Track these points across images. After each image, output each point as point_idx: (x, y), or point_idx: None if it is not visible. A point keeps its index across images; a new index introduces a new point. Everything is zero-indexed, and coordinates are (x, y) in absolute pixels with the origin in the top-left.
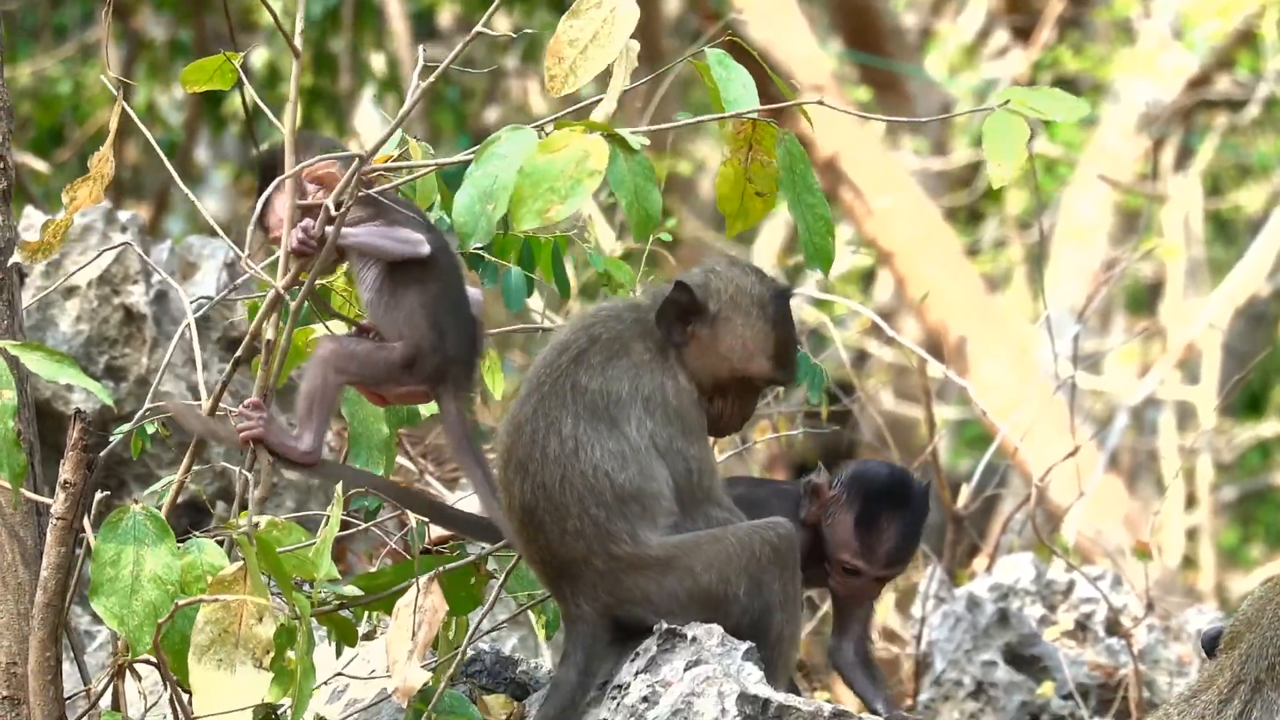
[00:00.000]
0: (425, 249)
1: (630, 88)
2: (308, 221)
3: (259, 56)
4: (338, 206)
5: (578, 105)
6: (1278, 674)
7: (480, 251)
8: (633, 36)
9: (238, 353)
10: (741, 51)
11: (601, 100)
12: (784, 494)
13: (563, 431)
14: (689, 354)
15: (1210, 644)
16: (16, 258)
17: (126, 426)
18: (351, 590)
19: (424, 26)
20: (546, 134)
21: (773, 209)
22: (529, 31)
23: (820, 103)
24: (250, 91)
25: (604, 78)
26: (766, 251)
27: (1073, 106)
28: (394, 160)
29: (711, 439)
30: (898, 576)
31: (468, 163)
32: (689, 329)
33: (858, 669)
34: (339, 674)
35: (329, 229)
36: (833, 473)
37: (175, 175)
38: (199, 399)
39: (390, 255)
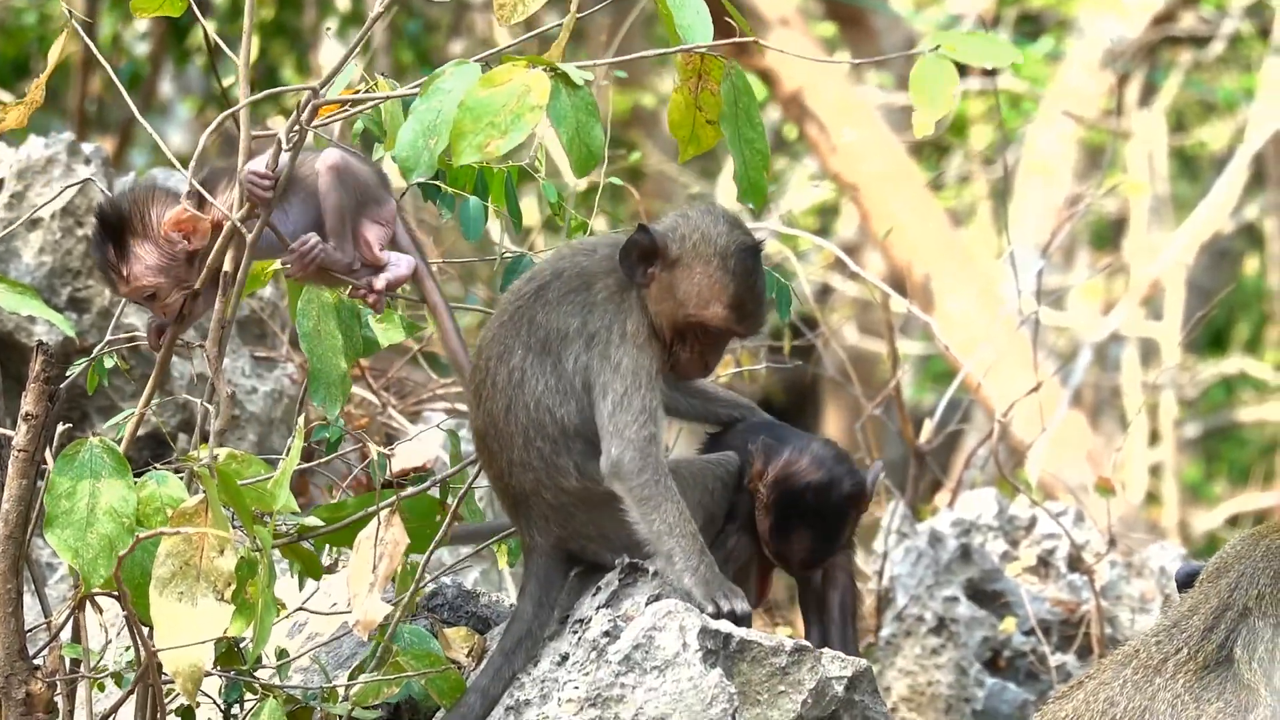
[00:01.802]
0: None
1: (585, 14)
2: (258, 169)
3: None
4: (289, 140)
5: (532, 34)
6: (1265, 604)
7: (435, 183)
8: None
9: (194, 285)
10: None
11: (549, 30)
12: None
13: (511, 362)
14: (649, 296)
15: (1185, 581)
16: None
17: (87, 360)
18: (311, 520)
19: None
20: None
21: (722, 136)
22: None
23: (756, 42)
24: (207, 26)
25: (562, 7)
26: (730, 185)
27: (1004, 52)
28: (357, 94)
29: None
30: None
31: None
32: (649, 271)
33: (835, 630)
34: (300, 608)
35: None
36: (767, 449)
37: (135, 111)
38: (162, 331)
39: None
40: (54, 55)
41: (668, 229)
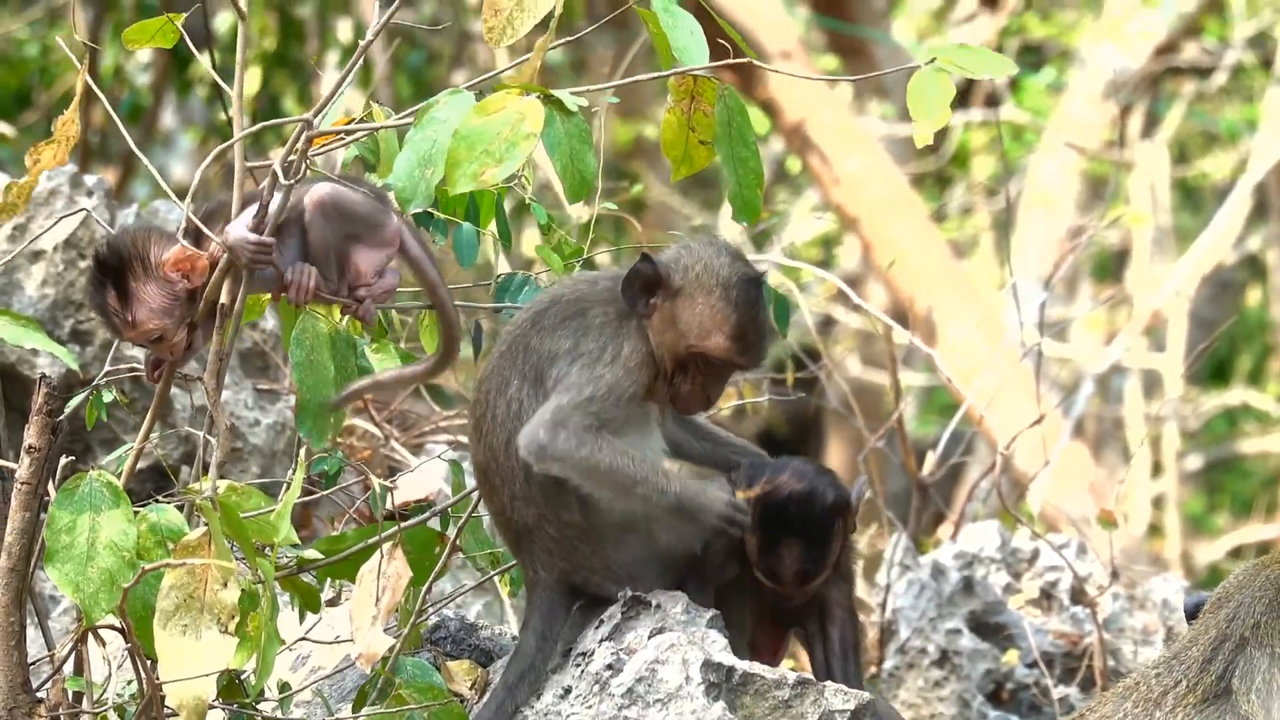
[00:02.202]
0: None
1: (572, 39)
2: (252, 236)
3: (225, 20)
4: (286, 173)
5: (524, 58)
6: (1263, 633)
7: (429, 209)
8: (594, 2)
9: (189, 318)
10: (706, 15)
11: (527, 59)
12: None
13: (508, 393)
14: (651, 326)
15: (1193, 611)
16: (2, 233)
17: (85, 392)
18: (311, 553)
19: None
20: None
21: (715, 156)
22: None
23: (753, 63)
24: (195, 52)
25: (565, 33)
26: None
27: (999, 64)
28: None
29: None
30: (818, 581)
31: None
32: (652, 301)
33: (838, 662)
34: (303, 639)
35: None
36: (750, 472)
37: (134, 146)
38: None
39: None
40: (79, 88)
41: (670, 260)
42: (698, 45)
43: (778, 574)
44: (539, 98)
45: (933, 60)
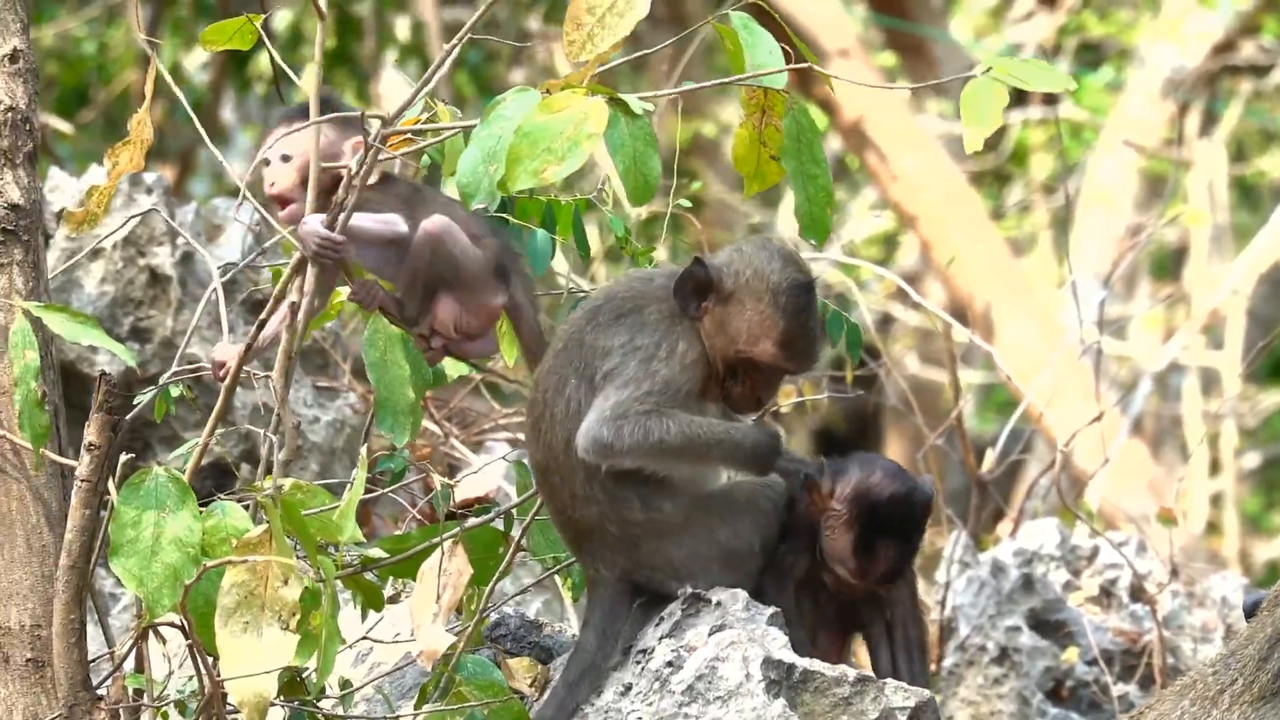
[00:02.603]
0: (403, 228)
1: (654, 50)
2: (323, 230)
3: (282, 18)
4: (352, 182)
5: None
6: None
7: (503, 215)
8: (654, 1)
9: (261, 316)
10: (765, 15)
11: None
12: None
13: (565, 391)
14: (703, 329)
15: (1252, 610)
16: (64, 230)
17: (152, 389)
18: (375, 552)
19: None
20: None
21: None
22: None
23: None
24: (274, 53)
25: (628, 42)
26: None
27: (1055, 79)
28: (421, 124)
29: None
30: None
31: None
32: (703, 304)
33: (903, 662)
34: (364, 637)
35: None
36: (833, 469)
37: (205, 136)
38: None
39: (379, 238)
40: (149, 89)
41: (723, 263)
42: (774, 63)
43: (869, 572)
44: (604, 98)
45: (989, 70)
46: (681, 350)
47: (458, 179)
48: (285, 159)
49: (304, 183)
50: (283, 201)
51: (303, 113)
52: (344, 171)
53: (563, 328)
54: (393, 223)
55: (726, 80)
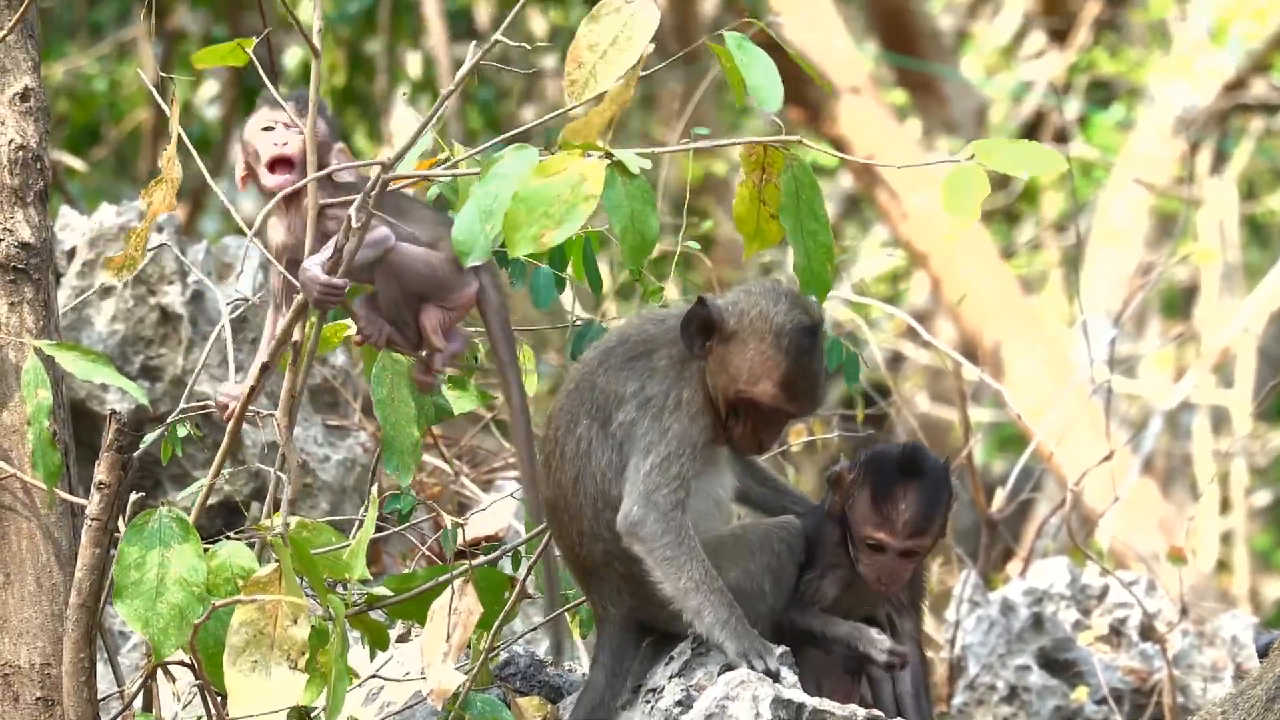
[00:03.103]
0: (392, 242)
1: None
2: (323, 277)
3: (293, 55)
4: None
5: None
6: None
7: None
8: (664, 39)
9: (264, 358)
10: (778, 50)
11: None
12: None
13: (577, 431)
14: (708, 369)
15: (1265, 650)
16: (104, 276)
17: (162, 428)
18: (381, 590)
19: (461, 26)
20: (549, 153)
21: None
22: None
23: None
24: (265, 77)
25: (636, 75)
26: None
27: (1046, 160)
28: (433, 159)
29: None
30: (924, 551)
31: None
32: (708, 344)
33: (909, 700)
34: (374, 675)
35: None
36: (854, 462)
37: (208, 177)
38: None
39: (372, 259)
40: (173, 129)
41: (728, 304)
42: (773, 85)
43: (893, 520)
44: (602, 158)
45: (972, 156)
46: (686, 398)
47: (454, 235)
48: (297, 129)
49: (304, 161)
50: (286, 164)
51: (311, 99)
52: (329, 164)
53: (575, 367)
54: (382, 241)
55: (735, 141)
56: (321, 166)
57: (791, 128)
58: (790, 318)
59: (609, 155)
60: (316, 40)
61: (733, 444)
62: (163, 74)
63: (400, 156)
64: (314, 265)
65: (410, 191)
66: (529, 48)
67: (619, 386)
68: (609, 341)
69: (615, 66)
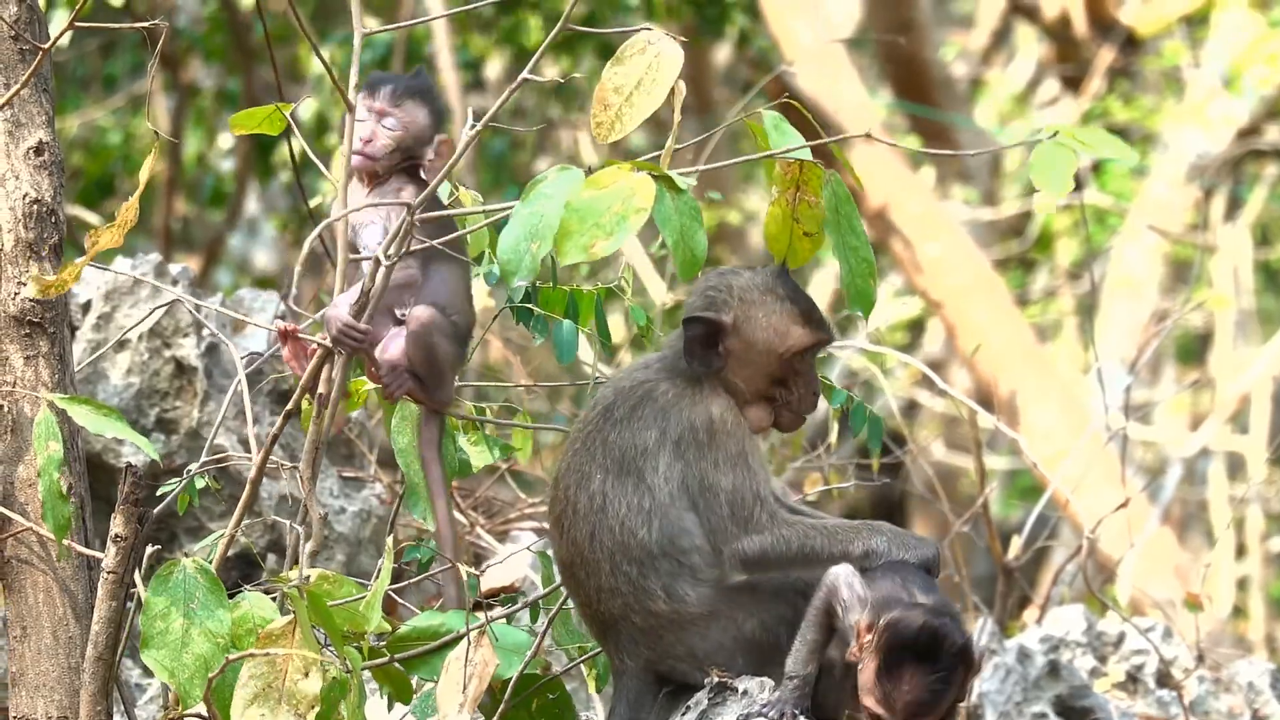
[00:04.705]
0: (415, 273)
1: (680, 146)
2: (348, 319)
3: (306, 106)
4: (380, 264)
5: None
6: None
7: (527, 305)
8: (680, 83)
9: (288, 406)
10: (791, 109)
11: (658, 151)
12: None
13: (590, 487)
14: (731, 372)
15: None
16: (29, 292)
17: (178, 481)
18: (402, 631)
19: (473, 77)
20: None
21: (820, 248)
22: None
23: (868, 135)
24: (300, 141)
25: (653, 127)
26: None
27: (1120, 149)
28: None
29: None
30: None
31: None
32: (720, 350)
33: None
34: None
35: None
36: (879, 612)
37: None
38: (249, 451)
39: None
40: (144, 174)
41: (708, 305)
42: (795, 144)
43: (894, 702)
44: (649, 174)
45: (1055, 134)
46: (718, 417)
47: (499, 256)
48: (387, 125)
49: (394, 153)
50: (367, 159)
51: (420, 87)
52: (423, 157)
53: (575, 428)
54: (407, 269)
55: (759, 156)
56: (414, 160)
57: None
58: (762, 274)
59: (657, 172)
60: (352, 95)
61: (790, 413)
62: (170, 138)
63: (423, 200)
64: (342, 303)
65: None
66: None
67: (635, 438)
68: (606, 398)
69: (641, 109)
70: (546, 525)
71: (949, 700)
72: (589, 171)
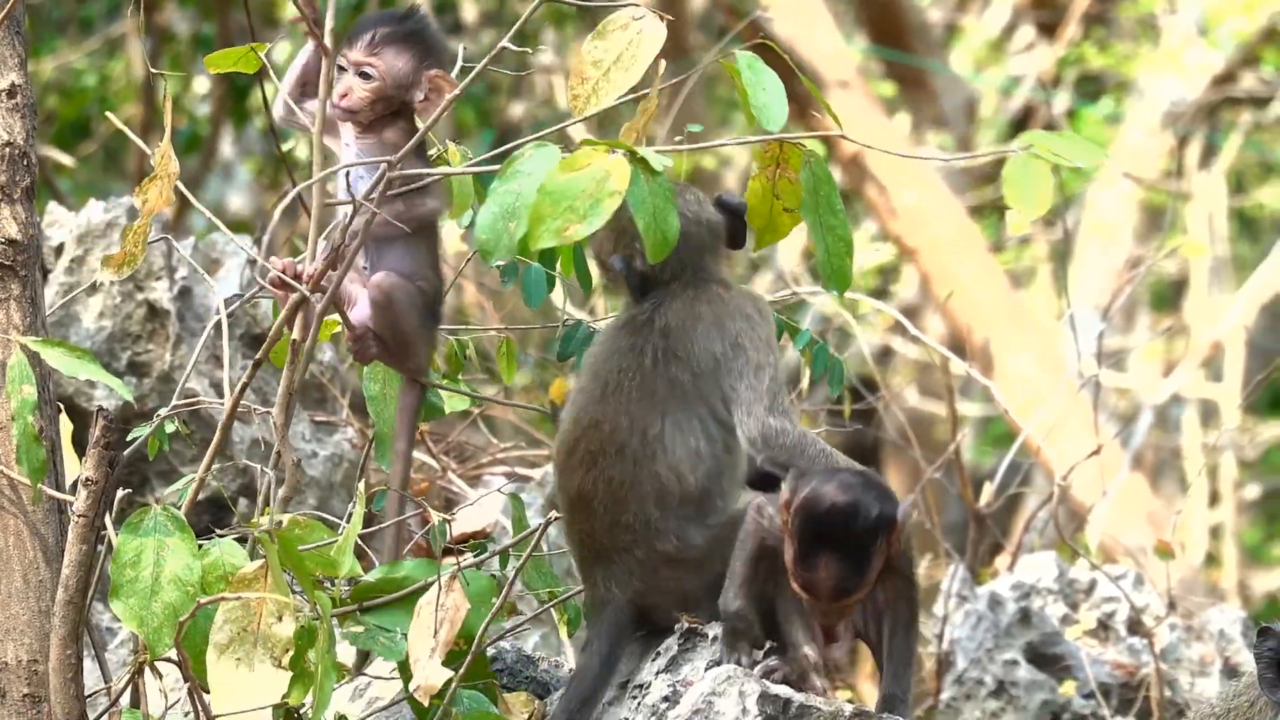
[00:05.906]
0: (437, 204)
1: (662, 86)
2: (301, 266)
3: (281, 50)
4: (336, 248)
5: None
6: None
7: None
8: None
9: (259, 355)
10: (768, 50)
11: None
12: None
13: (648, 433)
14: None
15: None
16: (104, 274)
17: (150, 424)
18: (369, 579)
19: (449, 19)
20: (571, 151)
21: (799, 223)
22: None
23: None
24: (276, 83)
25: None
26: (790, 258)
27: (1091, 153)
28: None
29: None
30: (856, 598)
31: (494, 164)
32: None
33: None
34: (361, 672)
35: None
36: (797, 485)
37: (191, 197)
38: (222, 396)
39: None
40: (167, 121)
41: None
42: (778, 104)
43: (813, 587)
44: (625, 155)
45: (1029, 147)
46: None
47: (477, 235)
48: (364, 75)
49: (375, 104)
50: (346, 113)
51: (401, 31)
52: (413, 100)
53: (613, 367)
54: (427, 208)
55: (747, 140)
56: (404, 102)
57: (786, 126)
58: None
59: (632, 153)
60: (328, 40)
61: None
62: (152, 70)
63: (403, 155)
64: (313, 261)
65: None
66: (530, 53)
67: (703, 351)
68: (629, 343)
69: (617, 85)
70: (521, 466)
71: (873, 571)
72: (564, 148)
